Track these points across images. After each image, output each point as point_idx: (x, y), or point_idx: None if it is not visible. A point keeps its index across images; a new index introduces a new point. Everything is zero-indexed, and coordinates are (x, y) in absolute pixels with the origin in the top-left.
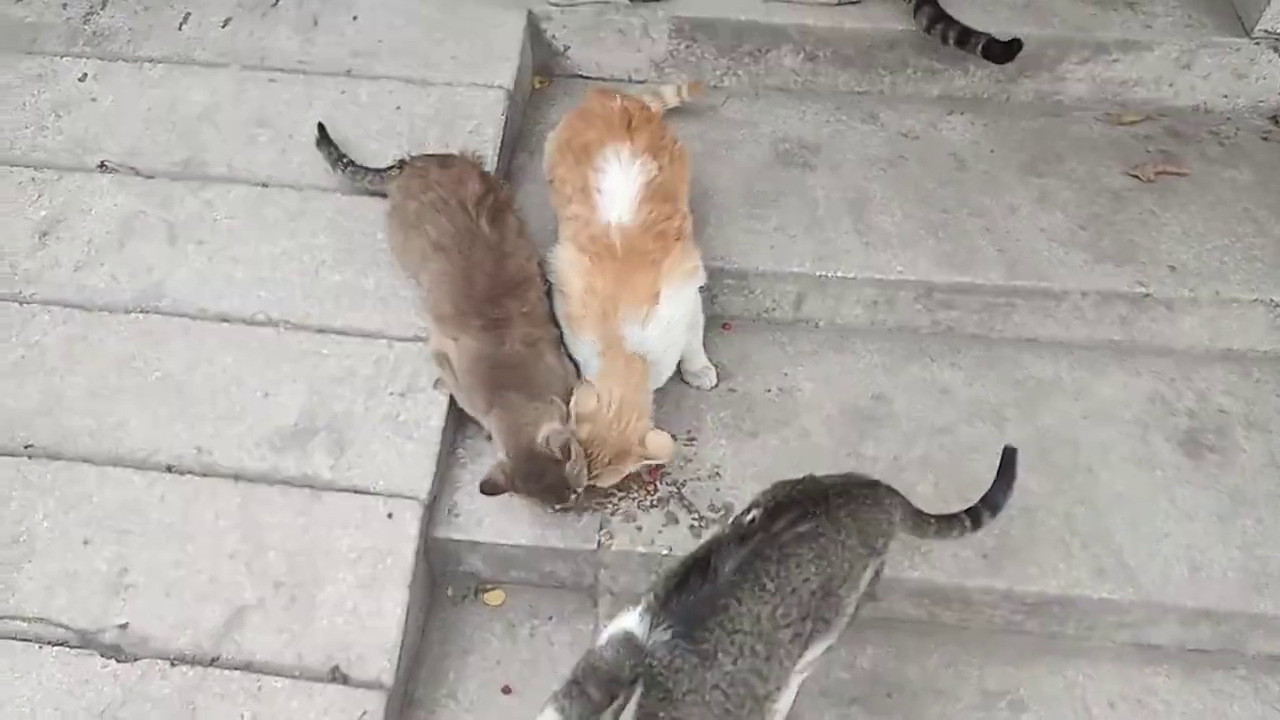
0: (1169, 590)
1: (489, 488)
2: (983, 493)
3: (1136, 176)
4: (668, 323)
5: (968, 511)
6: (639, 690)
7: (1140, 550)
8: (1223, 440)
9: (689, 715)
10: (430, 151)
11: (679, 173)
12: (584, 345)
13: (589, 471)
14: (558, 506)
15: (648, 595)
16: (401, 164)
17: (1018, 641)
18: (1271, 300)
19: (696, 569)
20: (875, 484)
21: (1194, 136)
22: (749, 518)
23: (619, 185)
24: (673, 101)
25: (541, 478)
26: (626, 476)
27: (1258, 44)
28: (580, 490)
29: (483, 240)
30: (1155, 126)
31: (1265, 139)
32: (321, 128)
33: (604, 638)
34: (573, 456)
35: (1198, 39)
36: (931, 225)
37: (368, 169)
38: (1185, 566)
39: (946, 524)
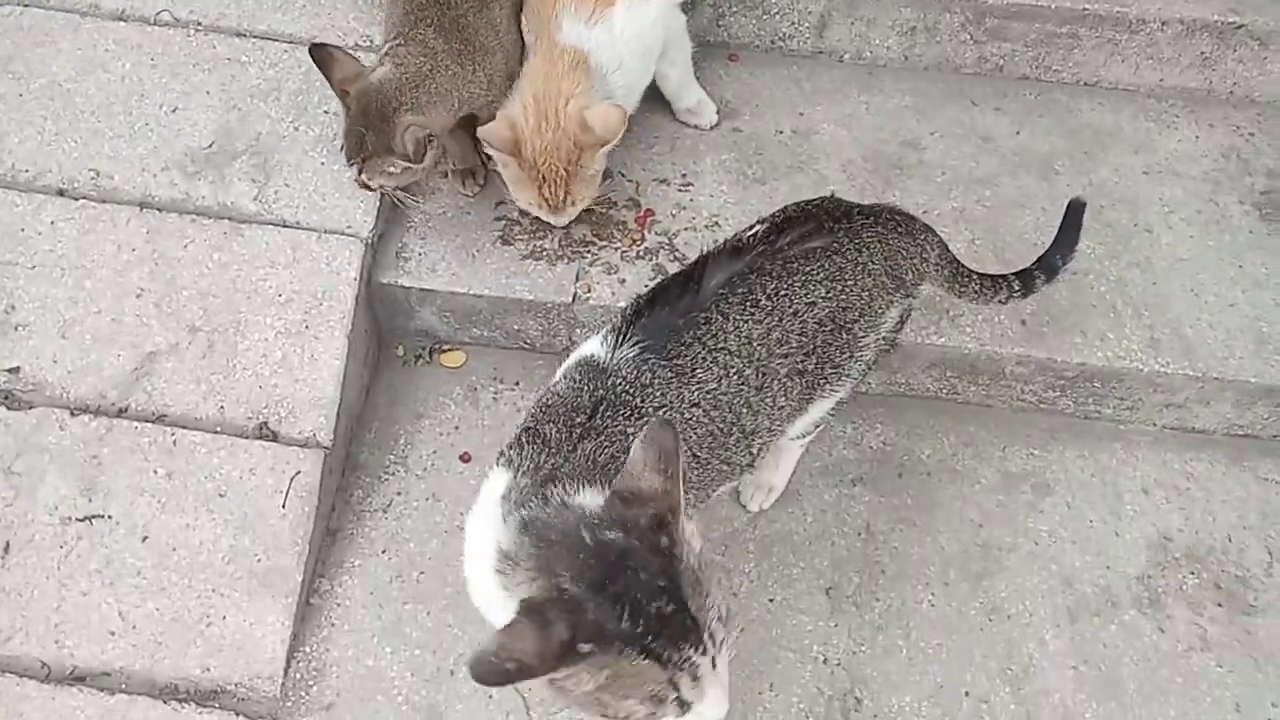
0: (1230, 365)
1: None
2: (1025, 254)
3: None
4: (622, 33)
5: (1018, 273)
6: (603, 414)
7: (1200, 320)
8: None
9: None
10: None
11: None
12: (526, 36)
13: (560, 198)
14: (350, 163)
15: (613, 319)
16: None
17: (1046, 422)
18: None
19: (675, 283)
20: (911, 216)
21: None
22: (750, 232)
23: None
24: None
25: (366, 117)
26: (609, 224)
27: None
28: (390, 170)
29: None
30: None
31: None
32: None
33: (558, 373)
34: (422, 163)
35: None
36: None
37: None
38: (1250, 339)
39: (991, 284)
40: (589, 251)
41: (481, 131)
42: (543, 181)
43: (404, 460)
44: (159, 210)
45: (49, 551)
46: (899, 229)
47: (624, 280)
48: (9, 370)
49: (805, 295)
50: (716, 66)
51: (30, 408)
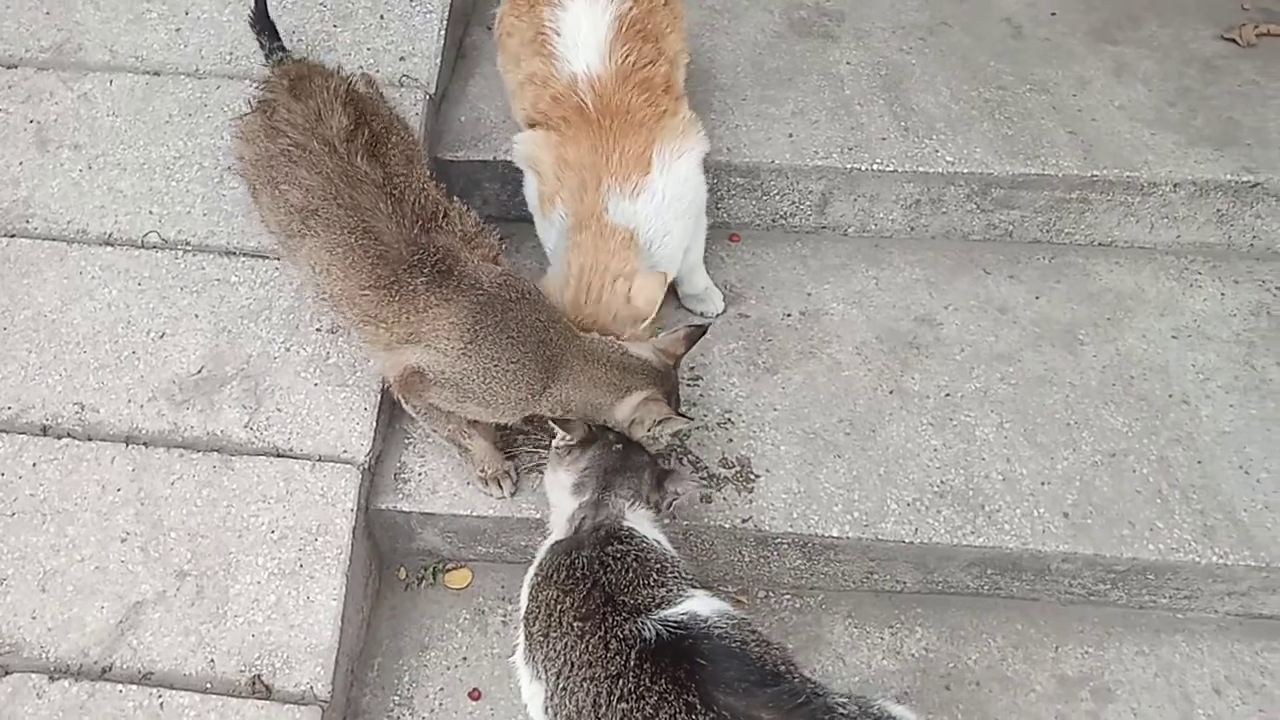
0: None
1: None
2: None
3: (1233, 40)
4: (663, 198)
5: None
6: None
7: (1255, 501)
8: None
9: None
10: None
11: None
12: (553, 224)
13: None
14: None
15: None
16: (280, 52)
17: (1098, 614)
18: None
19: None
20: None
21: None
22: None
23: (583, 23)
24: None
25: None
26: None
27: None
28: None
29: (367, 182)
30: None
31: None
32: (260, 3)
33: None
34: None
35: None
36: (986, 105)
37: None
38: None
39: None
40: None
41: None
42: None
43: (409, 702)
44: (145, 445)
45: None
46: None
47: None
48: None
49: None
50: (718, 249)
51: (6, 674)
